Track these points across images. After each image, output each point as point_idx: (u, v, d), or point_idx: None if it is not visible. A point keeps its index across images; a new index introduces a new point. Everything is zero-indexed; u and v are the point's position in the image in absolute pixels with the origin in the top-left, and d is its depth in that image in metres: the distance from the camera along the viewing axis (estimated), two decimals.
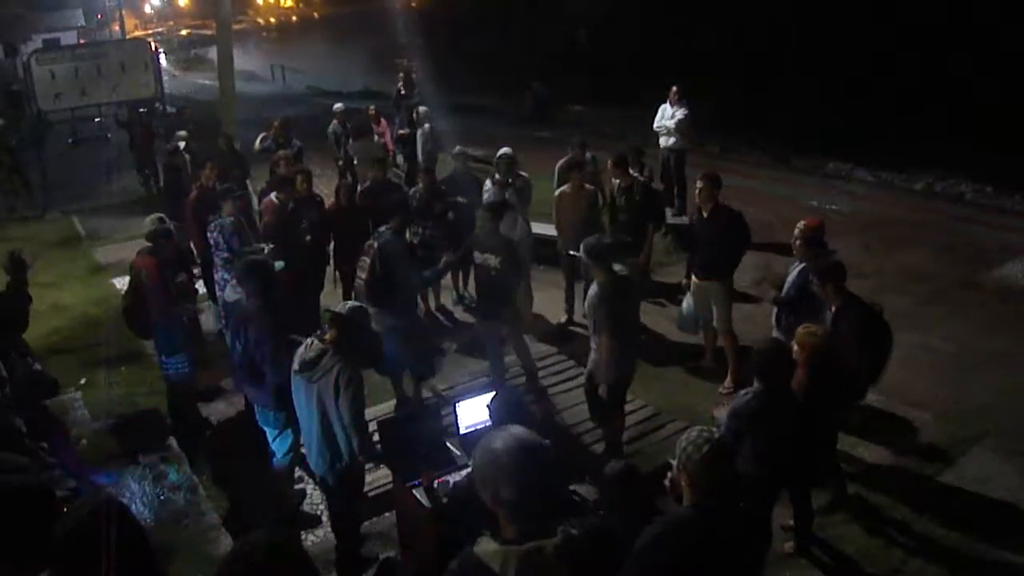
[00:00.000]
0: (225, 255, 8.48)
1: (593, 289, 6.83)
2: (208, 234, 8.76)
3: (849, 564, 6.02)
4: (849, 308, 6.26)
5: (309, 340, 5.52)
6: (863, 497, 6.65)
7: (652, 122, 13.71)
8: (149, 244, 7.72)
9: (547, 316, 10.17)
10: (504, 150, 10.03)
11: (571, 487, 4.49)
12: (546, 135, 19.07)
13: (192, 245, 10.00)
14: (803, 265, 7.02)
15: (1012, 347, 8.99)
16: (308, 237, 9.15)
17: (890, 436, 7.47)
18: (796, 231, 7.17)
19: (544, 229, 10.37)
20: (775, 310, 7.25)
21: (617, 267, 6.88)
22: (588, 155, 10.78)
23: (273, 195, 9.33)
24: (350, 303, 5.67)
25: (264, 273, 6.30)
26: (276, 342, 6.02)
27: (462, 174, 10.54)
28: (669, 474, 3.75)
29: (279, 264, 6.47)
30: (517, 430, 2.85)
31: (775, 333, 6.99)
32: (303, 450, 6.16)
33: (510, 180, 9.80)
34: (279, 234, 8.77)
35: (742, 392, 5.47)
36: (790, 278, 7.18)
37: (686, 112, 13.17)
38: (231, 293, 7.23)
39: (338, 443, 5.48)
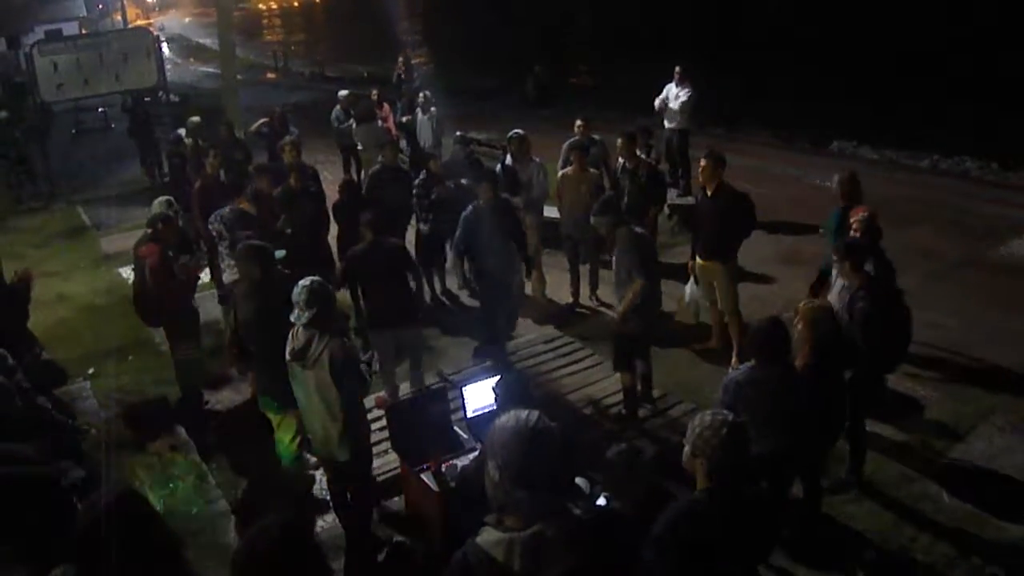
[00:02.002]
0: (228, 243, 8.40)
1: (619, 247, 7.04)
2: (209, 225, 8.71)
3: (858, 541, 6.03)
4: (866, 290, 6.14)
5: (294, 329, 5.53)
6: (871, 475, 6.64)
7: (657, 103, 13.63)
8: (149, 231, 7.73)
9: (554, 298, 10.15)
10: (516, 130, 10.01)
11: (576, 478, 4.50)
12: (549, 118, 19.00)
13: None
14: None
15: (1017, 322, 8.95)
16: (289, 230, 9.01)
17: (898, 414, 7.46)
18: (855, 224, 6.91)
19: (547, 211, 10.36)
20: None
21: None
22: (595, 136, 10.74)
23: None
24: (309, 279, 5.59)
25: (262, 258, 6.30)
26: (270, 324, 6.03)
27: (463, 158, 10.52)
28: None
29: (280, 253, 6.48)
30: (521, 415, 2.79)
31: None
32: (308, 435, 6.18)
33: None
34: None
35: (740, 367, 5.45)
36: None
37: (690, 92, 13.07)
38: (230, 275, 7.25)
39: (342, 425, 5.51)
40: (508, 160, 10.00)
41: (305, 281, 5.50)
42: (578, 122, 10.69)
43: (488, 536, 2.74)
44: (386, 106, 15.58)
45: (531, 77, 23.44)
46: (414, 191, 9.85)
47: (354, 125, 14.26)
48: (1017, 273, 10.42)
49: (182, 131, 12.92)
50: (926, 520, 6.17)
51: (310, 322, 5.39)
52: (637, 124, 11.75)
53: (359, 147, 14.07)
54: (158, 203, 8.39)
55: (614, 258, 7.30)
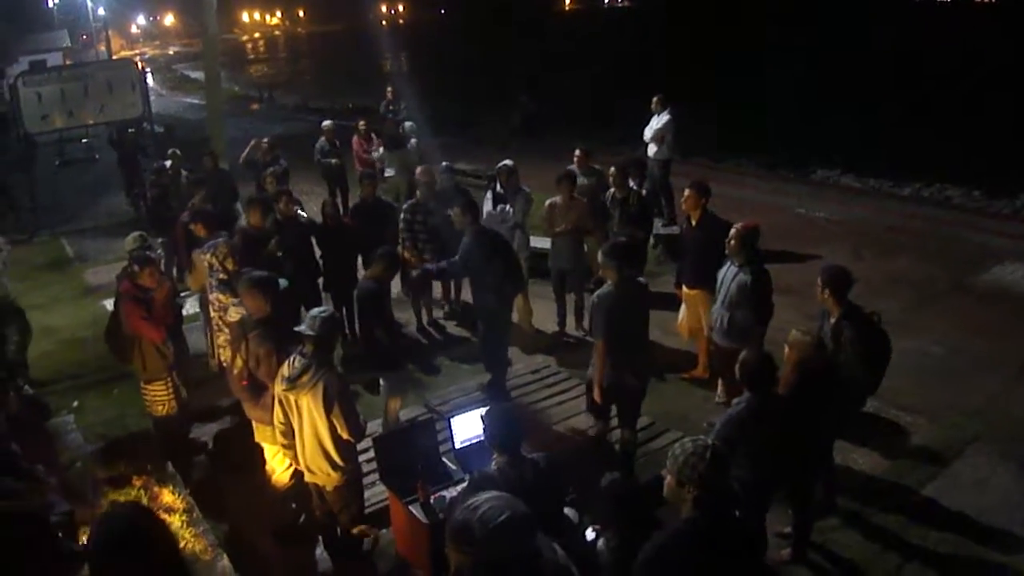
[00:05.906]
0: (222, 276, 7.89)
1: (603, 290, 6.87)
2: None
3: (846, 570, 6.03)
4: (850, 318, 6.16)
5: (291, 357, 5.53)
6: (858, 502, 6.67)
7: (641, 134, 13.66)
8: (125, 266, 7.69)
9: (542, 328, 10.14)
10: (504, 162, 10.08)
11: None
12: (535, 147, 19.10)
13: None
14: (738, 266, 7.29)
15: (1001, 349, 9.05)
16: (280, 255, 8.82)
17: (884, 441, 7.51)
18: (732, 231, 7.31)
19: (536, 242, 10.39)
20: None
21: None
22: (596, 167, 10.80)
23: (242, 220, 9.25)
24: (318, 311, 5.65)
25: (268, 289, 6.28)
26: (277, 357, 6.02)
27: (449, 188, 10.54)
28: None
29: (283, 281, 6.47)
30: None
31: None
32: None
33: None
34: (247, 257, 8.46)
35: (735, 401, 5.48)
36: (726, 280, 7.43)
37: (668, 118, 13.06)
38: (233, 313, 7.20)
39: (331, 454, 5.50)
40: (499, 189, 10.01)
41: (317, 310, 5.66)
42: (576, 152, 10.74)
43: None
44: (374, 137, 15.63)
45: (517, 106, 23.60)
46: (402, 218, 9.88)
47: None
48: (1000, 300, 10.52)
49: (167, 163, 12.86)
50: (913, 547, 6.18)
51: (313, 343, 5.42)
52: (626, 156, 11.80)
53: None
54: (132, 238, 8.21)
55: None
